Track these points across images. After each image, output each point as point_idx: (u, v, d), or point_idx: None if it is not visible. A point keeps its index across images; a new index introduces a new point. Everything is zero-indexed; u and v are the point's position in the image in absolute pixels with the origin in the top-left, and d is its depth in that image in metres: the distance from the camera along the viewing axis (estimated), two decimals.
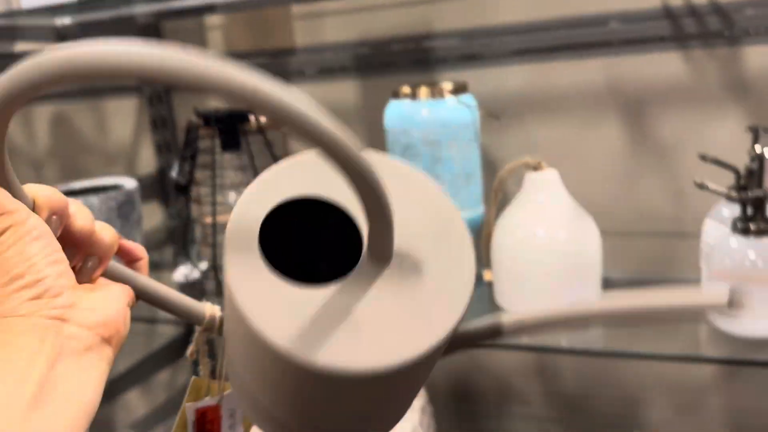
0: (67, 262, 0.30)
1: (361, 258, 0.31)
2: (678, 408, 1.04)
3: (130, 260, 0.38)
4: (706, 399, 1.02)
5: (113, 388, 1.14)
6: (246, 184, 0.89)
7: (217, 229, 0.86)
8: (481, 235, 0.82)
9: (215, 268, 0.83)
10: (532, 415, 1.13)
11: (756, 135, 0.66)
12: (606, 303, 0.34)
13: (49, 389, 0.26)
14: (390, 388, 0.31)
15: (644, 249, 0.90)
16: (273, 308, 0.28)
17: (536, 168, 0.69)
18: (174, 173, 0.83)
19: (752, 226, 0.57)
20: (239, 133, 0.83)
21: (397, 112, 0.87)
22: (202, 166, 0.85)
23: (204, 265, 0.92)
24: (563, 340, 0.65)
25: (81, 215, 0.33)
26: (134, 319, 0.34)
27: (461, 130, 0.85)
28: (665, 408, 1.05)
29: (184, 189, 0.81)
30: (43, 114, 1.35)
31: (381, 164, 0.30)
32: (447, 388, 1.16)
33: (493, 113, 0.86)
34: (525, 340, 0.67)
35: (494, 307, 0.73)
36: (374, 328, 0.29)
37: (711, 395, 1.01)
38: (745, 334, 0.59)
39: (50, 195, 0.31)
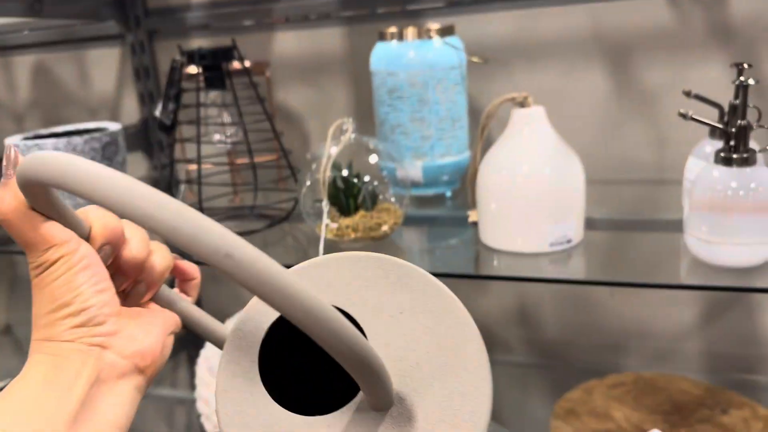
0: (113, 290, 0.31)
1: (358, 396, 0.28)
2: (655, 354, 1.06)
3: (183, 279, 0.38)
4: (683, 345, 1.04)
5: None
6: (231, 124, 0.89)
7: (202, 170, 0.86)
8: (467, 177, 0.83)
9: (201, 210, 0.83)
10: (515, 363, 1.15)
11: (740, 70, 0.66)
12: None
13: (88, 409, 0.28)
14: None
15: (626, 193, 0.92)
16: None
17: (523, 104, 0.69)
18: (158, 113, 0.82)
19: (735, 156, 0.58)
20: (223, 71, 0.82)
21: (384, 54, 0.86)
22: (186, 107, 0.84)
23: None
24: (546, 272, 0.67)
25: (135, 242, 0.33)
26: None
27: (448, 72, 0.85)
28: (643, 355, 1.07)
29: (168, 129, 0.81)
30: (24, 64, 1.32)
31: (405, 275, 0.30)
32: None
33: (480, 56, 0.86)
34: (506, 271, 0.68)
35: (481, 247, 0.74)
36: None
37: (688, 341, 1.04)
38: (727, 263, 0.60)
39: (106, 223, 0.32)
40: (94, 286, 0.30)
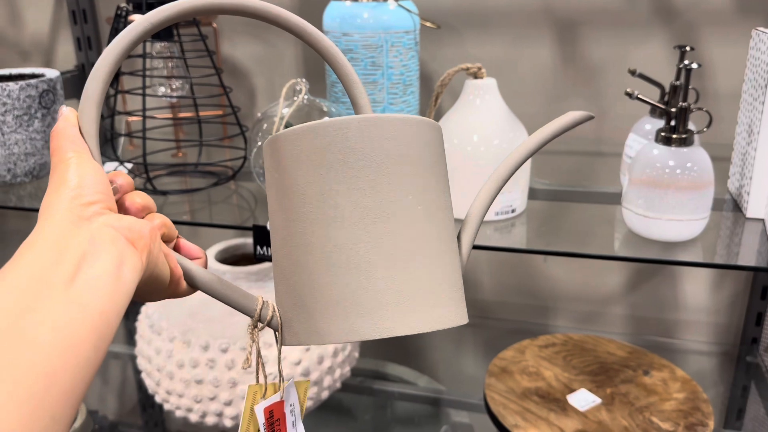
0: (111, 192, 0.34)
1: None
2: (584, 317, 1.12)
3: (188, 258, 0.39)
4: (610, 309, 1.10)
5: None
6: (177, 77, 0.86)
7: (146, 124, 0.83)
8: None
9: (146, 165, 0.81)
10: None
11: (683, 53, 0.69)
12: (522, 149, 0.42)
13: (83, 271, 0.29)
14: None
15: (567, 164, 0.95)
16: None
17: (476, 75, 0.70)
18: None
19: (675, 136, 0.61)
20: None
21: (338, 14, 0.85)
22: (129, 56, 0.81)
23: (130, 165, 0.89)
24: (491, 240, 0.69)
25: (140, 196, 0.37)
26: None
27: (402, 36, 0.85)
28: (573, 317, 1.13)
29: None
30: None
31: None
32: None
33: (432, 21, 0.86)
34: None
35: None
36: None
37: (615, 305, 1.10)
38: (660, 237, 0.64)
39: (120, 173, 0.36)
40: (97, 181, 0.33)
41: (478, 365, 1.09)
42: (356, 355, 0.91)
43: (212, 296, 0.39)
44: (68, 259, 0.29)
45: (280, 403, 0.47)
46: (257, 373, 0.43)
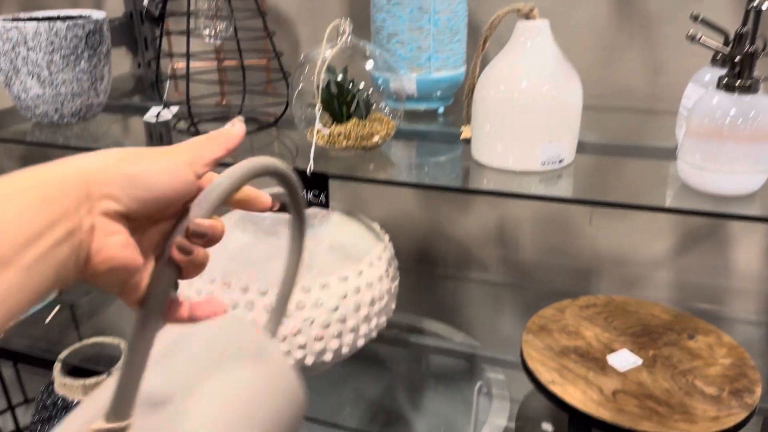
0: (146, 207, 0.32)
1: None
2: (627, 281, 1.09)
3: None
4: (655, 274, 1.07)
5: None
6: (222, 17, 0.85)
7: (190, 66, 0.83)
8: (463, 92, 0.82)
9: (189, 105, 0.80)
10: (489, 281, 1.18)
11: None
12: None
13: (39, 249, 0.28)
14: None
15: (619, 119, 0.91)
16: None
17: (528, 16, 0.67)
18: (146, 2, 0.78)
19: (738, 83, 0.57)
20: None
21: None
22: None
23: (175, 108, 0.89)
24: (536, 190, 0.67)
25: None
26: None
27: None
28: (615, 281, 1.10)
29: (155, 20, 0.77)
30: None
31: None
32: (410, 250, 1.19)
33: None
34: (495, 187, 0.68)
35: (472, 163, 0.74)
36: None
37: (660, 270, 1.07)
38: (717, 191, 0.61)
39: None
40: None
41: (515, 325, 1.08)
42: (393, 306, 0.90)
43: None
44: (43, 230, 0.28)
45: None
46: None
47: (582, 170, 0.71)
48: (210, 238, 0.33)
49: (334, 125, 0.74)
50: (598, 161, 0.76)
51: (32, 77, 0.82)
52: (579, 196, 0.69)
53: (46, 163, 0.30)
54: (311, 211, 0.84)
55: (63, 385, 1.02)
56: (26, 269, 0.27)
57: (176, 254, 0.32)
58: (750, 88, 0.57)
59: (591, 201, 0.63)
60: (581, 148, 0.75)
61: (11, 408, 1.29)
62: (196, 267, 0.33)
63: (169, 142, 0.91)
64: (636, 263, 1.08)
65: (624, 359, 0.81)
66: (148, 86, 1.09)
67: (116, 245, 0.31)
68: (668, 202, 0.65)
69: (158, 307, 0.33)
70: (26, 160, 1.43)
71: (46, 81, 0.82)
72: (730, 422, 0.71)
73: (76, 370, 1.04)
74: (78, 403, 1.01)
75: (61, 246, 0.28)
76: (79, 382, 1.00)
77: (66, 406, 1.02)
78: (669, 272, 1.06)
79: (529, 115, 0.66)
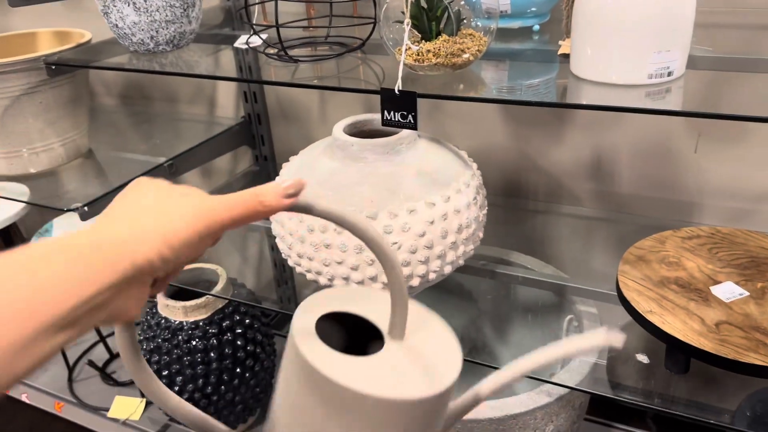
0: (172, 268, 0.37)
1: (386, 340, 0.43)
2: (734, 215, 1.02)
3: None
4: (765, 207, 1.00)
5: (182, 166, 1.17)
6: None
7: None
8: (561, 7, 0.77)
9: (278, 28, 0.80)
10: (582, 215, 1.13)
11: None
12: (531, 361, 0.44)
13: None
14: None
15: (735, 34, 0.84)
16: (347, 369, 0.39)
17: None
18: None
19: None
20: None
21: None
22: None
23: (264, 35, 0.89)
24: (641, 103, 0.62)
25: None
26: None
27: None
28: (721, 215, 1.03)
29: None
30: None
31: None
32: (499, 182, 1.17)
33: None
34: (592, 101, 0.64)
35: (571, 78, 0.70)
36: (409, 376, 0.40)
37: None
38: None
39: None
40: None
41: (608, 260, 1.03)
42: (480, 234, 0.89)
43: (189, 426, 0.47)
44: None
45: None
46: None
47: (693, 84, 0.66)
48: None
49: (422, 43, 0.72)
50: (711, 76, 0.70)
51: (128, 4, 0.84)
52: (688, 102, 0.64)
53: (98, 228, 0.35)
54: (399, 135, 0.83)
55: (165, 306, 1.08)
56: (76, 332, 0.32)
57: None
58: None
59: (702, 113, 0.59)
60: (692, 63, 0.69)
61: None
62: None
63: (258, 69, 0.92)
64: (745, 196, 1.00)
65: (729, 290, 0.77)
66: (237, 15, 1.10)
67: (137, 307, 0.35)
68: None
69: None
70: (124, 89, 1.49)
71: (141, 8, 0.84)
72: None
73: (179, 293, 1.10)
74: (180, 323, 1.07)
75: (100, 312, 0.33)
76: (180, 303, 1.06)
77: (168, 327, 1.08)
78: None
79: (636, 22, 0.61)
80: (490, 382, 0.45)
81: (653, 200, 1.07)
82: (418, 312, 0.45)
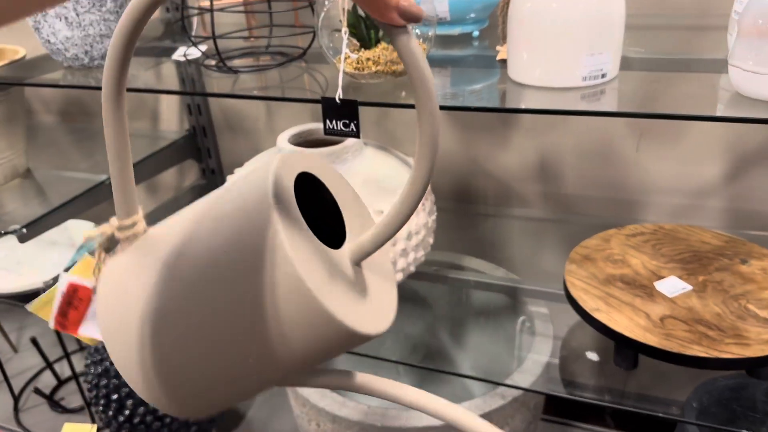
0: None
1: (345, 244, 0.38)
2: (676, 211, 1.05)
3: None
4: (705, 202, 1.03)
5: None
6: None
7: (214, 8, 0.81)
8: (497, 10, 0.78)
9: (215, 39, 0.79)
10: (530, 216, 1.15)
11: None
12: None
13: None
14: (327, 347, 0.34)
15: (665, 35, 0.86)
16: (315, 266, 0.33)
17: None
18: None
19: None
20: None
21: None
22: None
23: (203, 47, 0.88)
24: (577, 105, 0.63)
25: None
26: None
27: None
28: (663, 211, 1.06)
29: None
30: None
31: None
32: (448, 188, 1.17)
33: None
34: (530, 105, 0.65)
35: (509, 84, 0.71)
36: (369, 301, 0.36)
37: (711, 198, 1.02)
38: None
39: None
40: None
41: (557, 260, 1.05)
42: (430, 240, 0.89)
43: None
44: None
45: (90, 289, 0.46)
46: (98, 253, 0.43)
47: (627, 85, 0.68)
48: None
49: (362, 51, 0.72)
50: (643, 77, 0.71)
51: (59, 19, 0.81)
52: (624, 109, 0.65)
53: None
54: (345, 144, 0.82)
55: None
56: None
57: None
58: None
59: (637, 114, 0.60)
60: (625, 64, 0.71)
61: (66, 356, 1.34)
62: None
63: (201, 82, 0.91)
64: (686, 192, 1.03)
65: (673, 285, 0.78)
66: (176, 24, 1.08)
67: None
68: (719, 111, 0.61)
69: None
70: (63, 106, 1.45)
71: (73, 22, 0.81)
72: None
73: None
74: None
75: None
76: None
77: None
78: (721, 200, 1.02)
79: (568, 26, 0.62)
80: (370, 383, 0.39)
81: (598, 199, 1.09)
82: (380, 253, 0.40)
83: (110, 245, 0.39)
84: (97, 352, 1.07)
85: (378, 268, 0.39)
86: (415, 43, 0.32)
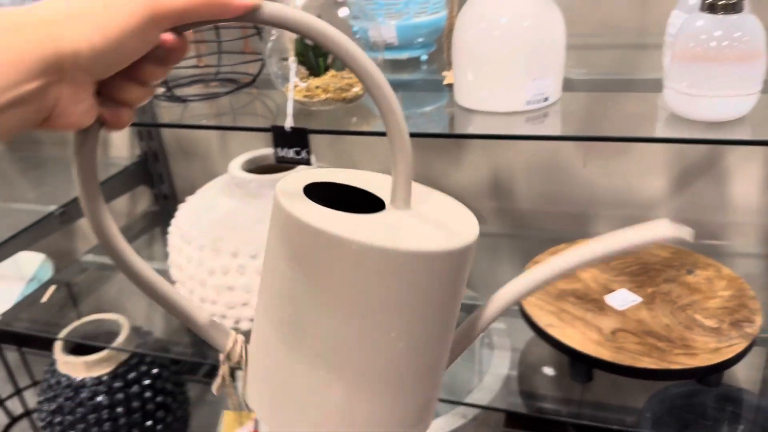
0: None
1: (387, 206, 0.36)
2: (625, 223, 1.08)
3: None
4: (653, 214, 1.06)
5: (75, 212, 1.12)
6: None
7: None
8: (443, 36, 0.79)
9: None
10: (485, 232, 1.16)
11: None
12: (584, 253, 0.37)
13: None
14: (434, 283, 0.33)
15: (605, 55, 0.89)
16: (342, 223, 0.32)
17: None
18: None
19: (721, 2, 0.55)
20: None
21: None
22: None
23: None
24: (523, 131, 0.65)
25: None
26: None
27: None
28: (613, 224, 1.09)
29: None
30: None
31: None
32: None
33: None
34: (477, 129, 0.67)
35: (456, 109, 0.72)
36: (419, 232, 0.34)
37: (658, 210, 1.05)
38: (707, 117, 0.59)
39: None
40: None
41: (513, 275, 1.07)
42: None
43: (186, 323, 0.39)
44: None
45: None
46: (231, 401, 0.44)
47: (569, 107, 0.70)
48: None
49: (311, 78, 0.72)
50: (585, 98, 0.74)
51: None
52: (566, 133, 0.67)
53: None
54: (297, 170, 0.82)
55: (65, 363, 1.02)
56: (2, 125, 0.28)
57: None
58: (734, 7, 0.55)
59: (578, 137, 0.62)
60: (567, 85, 0.73)
61: (18, 392, 1.30)
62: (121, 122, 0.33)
63: (150, 109, 0.90)
64: (633, 204, 1.06)
65: (622, 298, 0.80)
66: None
67: (80, 113, 0.30)
68: (657, 133, 0.63)
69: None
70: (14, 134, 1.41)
71: None
72: (731, 352, 0.70)
73: (78, 348, 1.04)
74: (82, 380, 1.01)
75: (26, 105, 0.28)
76: (81, 359, 1.01)
77: (70, 384, 1.02)
78: (667, 211, 1.05)
79: (510, 53, 0.64)
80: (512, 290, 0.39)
81: (550, 214, 1.12)
82: (420, 188, 0.39)
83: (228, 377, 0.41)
84: (50, 389, 1.04)
85: (428, 199, 0.38)
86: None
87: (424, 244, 0.32)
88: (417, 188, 0.38)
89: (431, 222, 0.35)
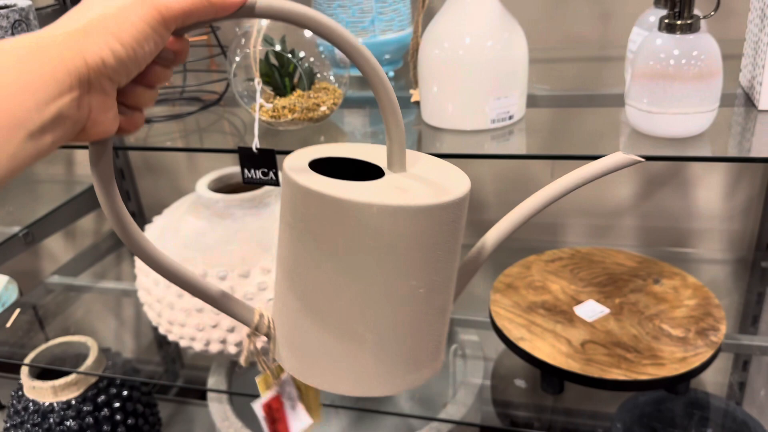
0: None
1: (386, 171, 0.40)
2: (592, 231, 1.10)
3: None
4: (619, 222, 1.08)
5: (39, 233, 1.10)
6: None
7: None
8: (409, 54, 0.79)
9: None
10: None
11: None
12: (556, 187, 0.44)
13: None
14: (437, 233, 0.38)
15: (569, 70, 0.90)
16: (357, 190, 0.36)
17: None
18: None
19: (679, 23, 0.56)
20: None
21: None
22: None
23: None
24: (489, 149, 0.66)
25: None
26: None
27: None
28: (581, 232, 1.10)
29: None
30: None
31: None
32: None
33: None
34: (448, 149, 0.67)
35: (423, 127, 0.72)
36: (423, 189, 0.38)
37: (624, 218, 1.07)
38: (666, 134, 0.60)
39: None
40: None
41: (485, 286, 1.07)
42: None
43: (214, 307, 0.43)
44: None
45: (277, 397, 0.52)
46: (262, 366, 0.50)
47: (533, 125, 0.70)
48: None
49: (277, 99, 0.72)
50: (549, 114, 0.74)
51: None
52: (533, 150, 0.68)
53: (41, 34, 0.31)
54: (266, 187, 0.82)
55: (32, 388, 1.00)
56: (32, 133, 0.29)
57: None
58: (691, 27, 0.56)
59: (544, 156, 0.63)
60: (532, 101, 0.74)
61: None
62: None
63: None
64: (601, 213, 1.08)
65: (591, 309, 0.81)
66: None
67: (110, 120, 0.32)
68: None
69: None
70: None
71: None
72: (697, 361, 0.71)
73: (45, 372, 1.02)
74: (50, 405, 0.99)
75: (65, 119, 0.30)
76: (49, 384, 0.98)
77: (37, 410, 1.00)
78: (634, 219, 1.07)
79: (474, 72, 0.65)
80: (498, 228, 0.46)
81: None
82: (410, 153, 0.43)
83: (258, 351, 0.47)
84: (17, 414, 1.01)
85: (419, 161, 0.42)
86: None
87: (432, 198, 0.37)
88: (407, 153, 0.42)
89: (429, 180, 0.40)
